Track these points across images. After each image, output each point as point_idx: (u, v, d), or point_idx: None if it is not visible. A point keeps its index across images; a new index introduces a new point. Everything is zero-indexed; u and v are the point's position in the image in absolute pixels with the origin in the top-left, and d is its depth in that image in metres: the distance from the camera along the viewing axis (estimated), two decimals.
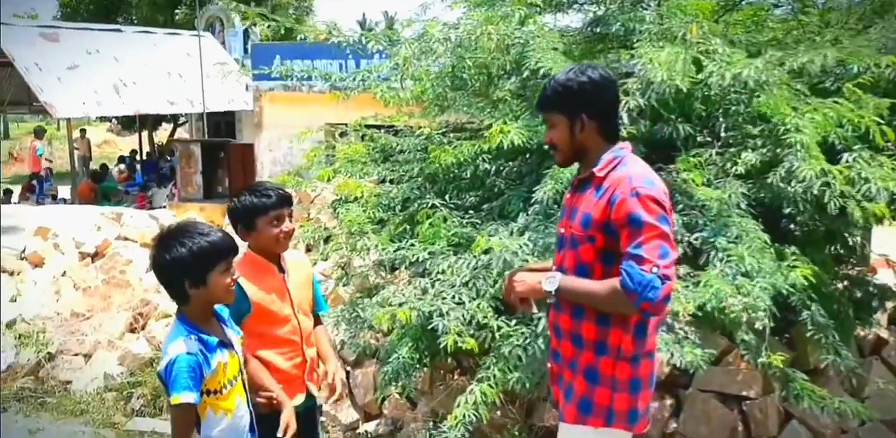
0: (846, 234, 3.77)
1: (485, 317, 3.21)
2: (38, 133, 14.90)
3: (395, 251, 3.73)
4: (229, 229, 2.66)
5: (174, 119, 19.51)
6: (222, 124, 16.39)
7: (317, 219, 5.05)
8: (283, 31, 4.94)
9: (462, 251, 3.53)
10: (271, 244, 2.69)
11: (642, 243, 2.02)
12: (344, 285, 4.47)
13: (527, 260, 3.10)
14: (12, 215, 8.80)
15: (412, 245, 3.66)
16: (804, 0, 4.40)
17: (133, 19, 20.89)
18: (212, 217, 7.87)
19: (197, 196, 10.64)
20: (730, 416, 3.69)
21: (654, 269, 1.99)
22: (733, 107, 3.65)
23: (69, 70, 13.24)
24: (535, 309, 2.33)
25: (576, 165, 2.34)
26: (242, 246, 2.56)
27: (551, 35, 3.96)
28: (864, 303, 3.96)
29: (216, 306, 2.34)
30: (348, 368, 4.52)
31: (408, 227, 3.92)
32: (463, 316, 3.23)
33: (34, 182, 14.75)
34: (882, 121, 3.24)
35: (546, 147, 2.41)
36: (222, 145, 11.50)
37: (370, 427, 4.38)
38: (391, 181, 4.32)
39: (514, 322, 3.24)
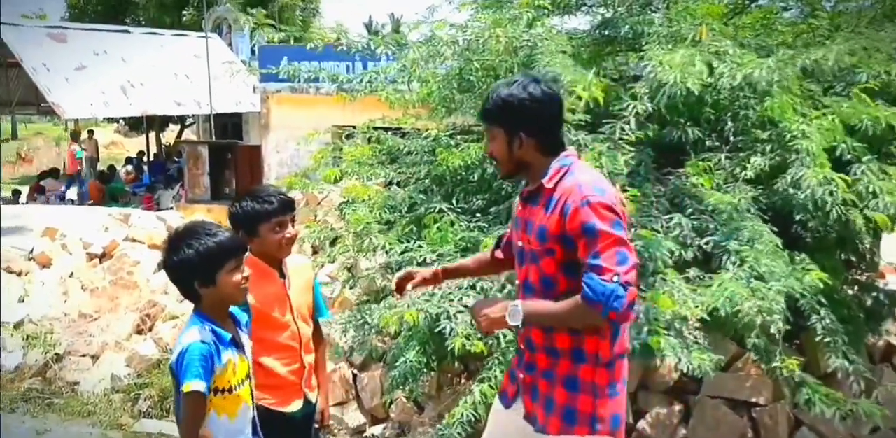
0: (856, 241, 3.74)
1: None
2: (75, 136, 14.96)
3: (402, 252, 3.71)
4: None
5: (181, 120, 19.58)
6: (229, 126, 16.44)
7: (324, 221, 5.04)
8: (291, 41, 4.95)
9: (470, 254, 3.52)
10: (274, 250, 2.67)
11: (599, 252, 2.02)
12: (351, 288, 4.46)
13: None
14: (20, 215, 8.82)
15: (420, 246, 3.65)
16: (814, 3, 4.38)
17: (140, 20, 21.02)
18: (219, 218, 7.80)
19: (204, 197, 10.67)
20: (739, 423, 3.67)
21: (615, 278, 1.99)
22: (742, 111, 3.63)
23: (77, 71, 13.30)
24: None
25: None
26: None
27: (559, 38, 3.95)
28: (875, 312, 3.93)
29: (234, 310, 2.36)
30: (355, 371, 4.51)
31: (414, 228, 3.91)
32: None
33: (71, 182, 14.61)
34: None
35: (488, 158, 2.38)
36: (229, 147, 11.53)
37: (377, 430, 4.37)
38: (398, 183, 4.31)
39: None
